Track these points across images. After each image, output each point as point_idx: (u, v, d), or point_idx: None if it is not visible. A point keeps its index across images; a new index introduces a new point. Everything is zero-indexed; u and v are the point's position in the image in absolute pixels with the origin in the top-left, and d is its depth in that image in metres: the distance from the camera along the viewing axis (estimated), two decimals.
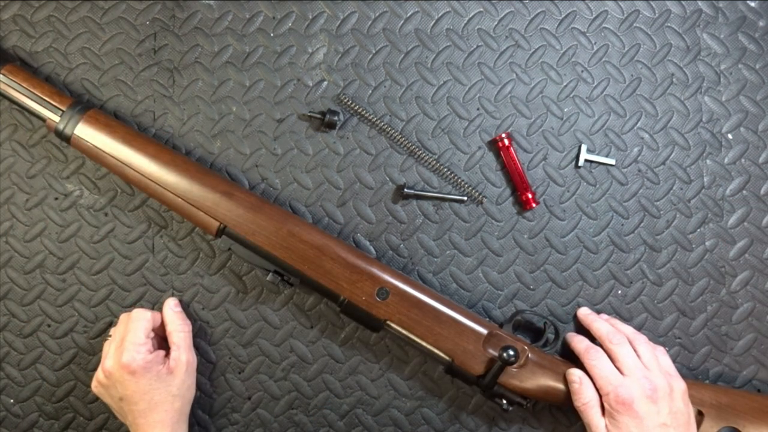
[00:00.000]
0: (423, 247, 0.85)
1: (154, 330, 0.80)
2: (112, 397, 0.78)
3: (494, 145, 0.84)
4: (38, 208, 0.84)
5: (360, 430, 0.85)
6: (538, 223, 0.85)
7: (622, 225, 0.85)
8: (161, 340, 0.82)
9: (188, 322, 0.83)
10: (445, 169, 0.84)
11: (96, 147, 0.78)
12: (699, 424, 0.75)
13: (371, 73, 0.85)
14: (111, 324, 0.84)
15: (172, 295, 0.84)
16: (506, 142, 0.83)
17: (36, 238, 0.84)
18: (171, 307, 0.83)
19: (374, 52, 0.85)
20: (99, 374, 0.78)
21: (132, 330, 0.78)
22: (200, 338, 0.84)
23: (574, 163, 0.85)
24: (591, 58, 0.86)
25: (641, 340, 0.77)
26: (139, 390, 0.76)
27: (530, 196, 0.83)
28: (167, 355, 0.79)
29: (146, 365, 0.76)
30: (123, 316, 0.81)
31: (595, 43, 0.86)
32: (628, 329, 0.79)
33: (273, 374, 0.84)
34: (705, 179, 0.85)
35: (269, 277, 0.78)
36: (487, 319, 0.83)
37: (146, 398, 0.76)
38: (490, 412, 0.84)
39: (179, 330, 0.81)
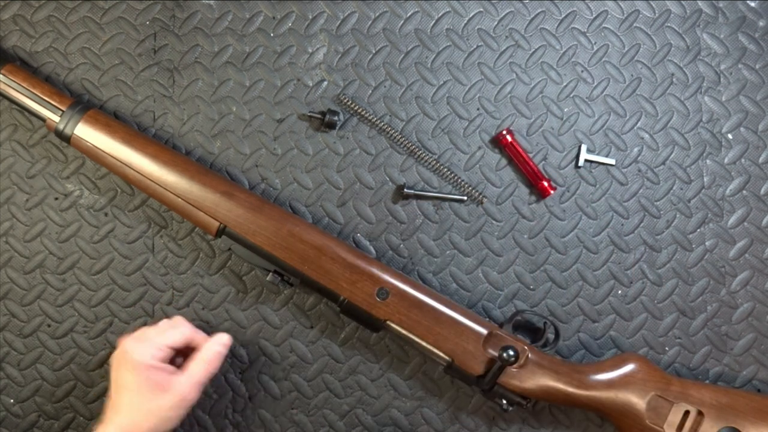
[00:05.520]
0: (423, 247, 0.85)
1: (180, 349, 0.77)
2: (114, 375, 0.75)
3: (498, 143, 0.84)
4: (38, 208, 0.84)
5: (360, 430, 0.85)
6: (538, 223, 0.85)
7: (622, 225, 0.85)
8: (180, 357, 0.78)
9: (219, 365, 0.77)
10: (445, 169, 0.84)
11: (96, 147, 0.78)
12: (699, 424, 0.75)
13: (371, 73, 0.85)
14: (111, 324, 0.84)
15: (172, 295, 0.84)
16: (509, 138, 0.83)
17: (36, 238, 0.84)
18: (223, 342, 0.78)
19: (374, 52, 0.85)
20: (119, 348, 0.75)
21: (162, 332, 0.76)
22: None
23: (574, 163, 0.85)
24: (591, 58, 0.86)
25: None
26: (124, 384, 0.73)
27: (546, 183, 0.83)
28: (174, 372, 0.75)
29: (148, 368, 0.73)
30: (166, 321, 0.78)
31: (595, 43, 0.86)
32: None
33: (273, 374, 0.84)
34: (705, 179, 0.85)
35: (269, 277, 0.78)
36: (487, 319, 0.83)
37: (124, 396, 0.73)
38: (490, 412, 0.84)
39: (207, 369, 0.76)
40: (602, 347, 0.85)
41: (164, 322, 0.78)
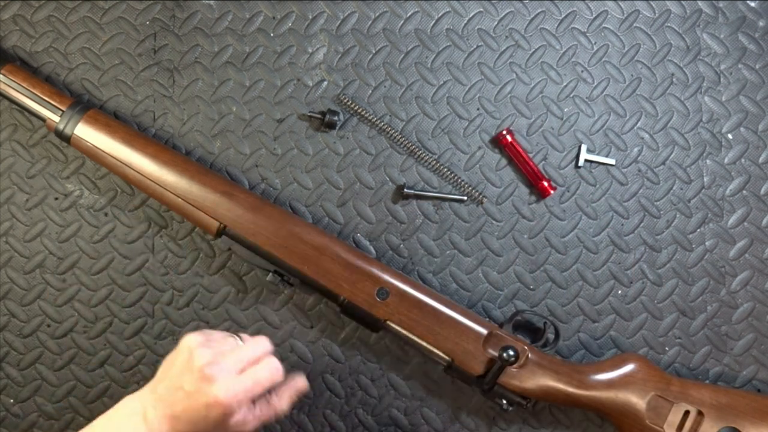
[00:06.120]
0: (423, 247, 0.85)
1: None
2: (179, 374, 0.67)
3: (498, 143, 0.84)
4: (38, 208, 0.84)
5: (360, 431, 0.85)
6: (538, 223, 0.85)
7: (622, 225, 0.85)
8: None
9: (289, 410, 0.72)
10: (445, 169, 0.84)
11: (96, 147, 0.78)
12: (699, 424, 0.75)
13: (371, 73, 0.85)
14: (111, 324, 0.84)
15: (172, 295, 0.84)
16: (509, 138, 0.83)
17: (36, 238, 0.84)
18: (299, 389, 0.73)
19: (374, 52, 0.85)
20: (199, 356, 0.67)
21: (259, 384, 0.68)
22: None
23: (574, 163, 0.85)
24: (591, 58, 0.86)
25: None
26: (196, 413, 0.66)
27: (546, 183, 0.83)
28: (249, 411, 0.68)
29: (227, 416, 0.66)
30: (271, 360, 0.70)
31: (595, 43, 0.86)
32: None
33: None
34: (705, 179, 0.85)
35: (269, 277, 0.78)
36: (487, 319, 0.83)
37: (190, 417, 0.66)
38: (490, 412, 0.84)
39: (277, 415, 0.71)
40: (602, 347, 0.85)
41: (262, 364, 0.69)
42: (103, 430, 0.68)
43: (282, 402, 0.71)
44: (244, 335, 0.73)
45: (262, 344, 0.71)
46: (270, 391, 0.71)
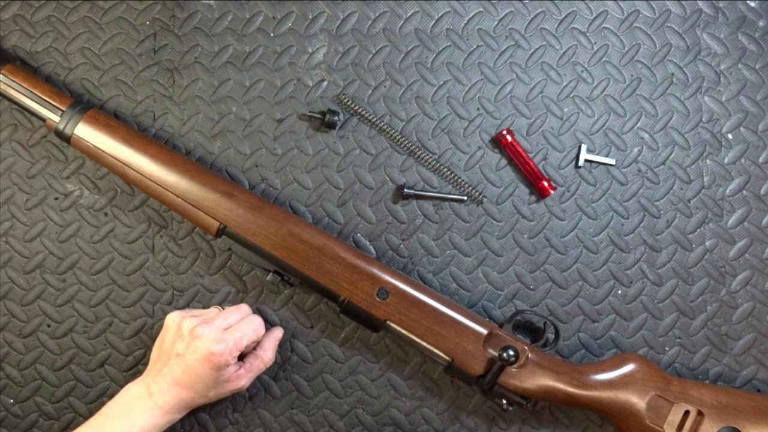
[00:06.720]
0: (423, 247, 0.85)
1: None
2: (171, 343, 0.76)
3: (498, 143, 0.84)
4: (38, 208, 0.84)
5: (360, 430, 0.85)
6: (538, 223, 0.85)
7: (622, 225, 0.85)
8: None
9: (273, 359, 0.81)
10: (445, 169, 0.84)
11: (96, 147, 0.78)
12: (699, 424, 0.75)
13: (371, 73, 0.85)
14: (111, 324, 0.84)
15: (172, 295, 0.84)
16: (509, 138, 0.83)
17: (36, 238, 0.84)
18: (278, 338, 0.82)
19: (374, 52, 0.85)
20: (186, 323, 0.76)
21: (245, 335, 0.77)
22: None
23: (574, 163, 0.85)
24: (591, 58, 0.86)
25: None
26: (193, 371, 0.75)
27: (546, 183, 0.83)
28: (239, 368, 0.78)
29: (224, 366, 0.75)
30: (253, 318, 0.79)
31: (595, 43, 0.86)
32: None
33: (273, 374, 0.84)
34: (705, 179, 0.85)
35: (269, 277, 0.78)
36: (487, 319, 0.83)
37: (184, 370, 0.75)
38: (490, 412, 0.84)
39: (266, 364, 0.80)
40: (602, 347, 0.85)
41: (245, 321, 0.78)
42: (114, 414, 0.76)
43: (267, 353, 0.80)
44: (225, 306, 0.83)
45: (242, 308, 0.81)
46: (255, 347, 0.80)
